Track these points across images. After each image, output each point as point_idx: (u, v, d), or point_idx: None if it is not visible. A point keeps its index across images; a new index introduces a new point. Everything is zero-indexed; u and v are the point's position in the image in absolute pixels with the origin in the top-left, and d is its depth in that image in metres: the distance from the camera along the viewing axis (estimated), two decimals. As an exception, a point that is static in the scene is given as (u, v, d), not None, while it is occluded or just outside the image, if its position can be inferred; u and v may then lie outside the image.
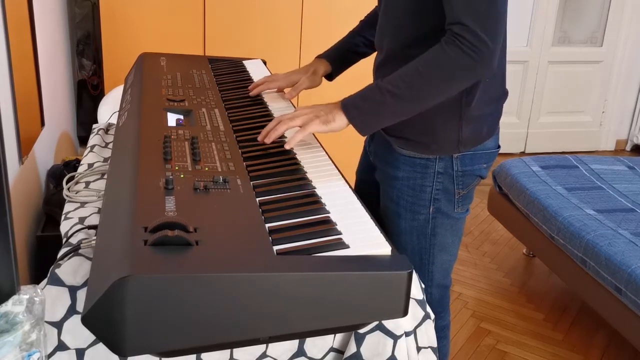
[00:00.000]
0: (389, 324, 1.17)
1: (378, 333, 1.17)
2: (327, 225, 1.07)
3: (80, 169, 1.69)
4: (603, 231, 2.36)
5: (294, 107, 1.66)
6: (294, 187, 1.20)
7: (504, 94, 1.50)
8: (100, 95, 3.16)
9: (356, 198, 1.19)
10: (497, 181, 2.98)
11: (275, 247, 0.99)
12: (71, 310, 1.13)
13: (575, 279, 2.45)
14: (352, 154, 1.84)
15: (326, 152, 1.41)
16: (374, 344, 1.17)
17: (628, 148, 4.79)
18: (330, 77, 1.73)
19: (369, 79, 1.48)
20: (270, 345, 1.16)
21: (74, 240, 1.30)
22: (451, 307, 2.43)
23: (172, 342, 0.90)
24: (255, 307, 0.92)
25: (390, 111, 1.31)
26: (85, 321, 0.86)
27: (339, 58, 1.71)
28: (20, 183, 1.76)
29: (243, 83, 1.79)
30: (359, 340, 1.17)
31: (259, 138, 1.37)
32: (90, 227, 1.34)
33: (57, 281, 1.15)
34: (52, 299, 1.13)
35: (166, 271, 0.87)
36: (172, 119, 1.47)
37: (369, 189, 1.60)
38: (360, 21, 1.74)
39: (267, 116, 1.55)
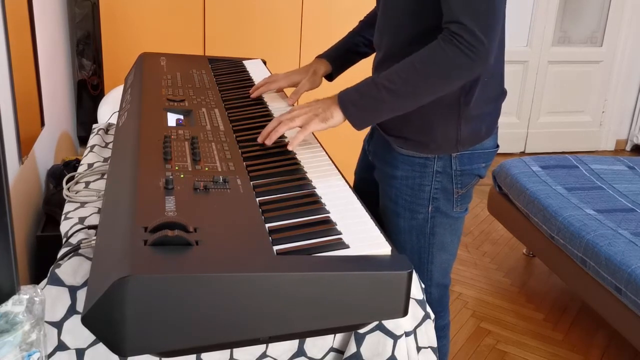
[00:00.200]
0: (389, 324, 1.17)
1: (378, 333, 1.17)
2: (327, 225, 1.07)
3: (80, 169, 1.69)
4: (603, 231, 2.36)
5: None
6: (294, 187, 1.20)
7: (503, 93, 1.50)
8: (100, 95, 3.16)
9: (356, 198, 1.20)
10: (497, 181, 2.98)
11: (275, 247, 0.99)
12: (71, 310, 1.13)
13: (575, 279, 2.45)
14: (352, 154, 1.84)
15: (326, 152, 1.41)
16: (374, 344, 1.17)
17: (628, 148, 4.79)
18: (330, 77, 1.73)
19: (369, 79, 1.48)
20: (270, 345, 1.16)
21: (74, 240, 1.30)
22: (451, 307, 2.43)
23: (172, 342, 0.90)
24: (255, 307, 0.92)
25: (385, 107, 1.32)
26: (85, 321, 0.86)
27: (339, 58, 1.71)
28: (20, 183, 1.76)
29: (243, 83, 1.79)
30: (359, 340, 1.17)
31: (259, 139, 1.37)
32: (90, 227, 1.34)
33: (57, 281, 1.15)
34: (52, 299, 1.13)
35: (166, 271, 0.87)
36: (172, 119, 1.47)
37: (368, 188, 1.60)
38: (360, 21, 1.74)
39: (267, 116, 1.55)
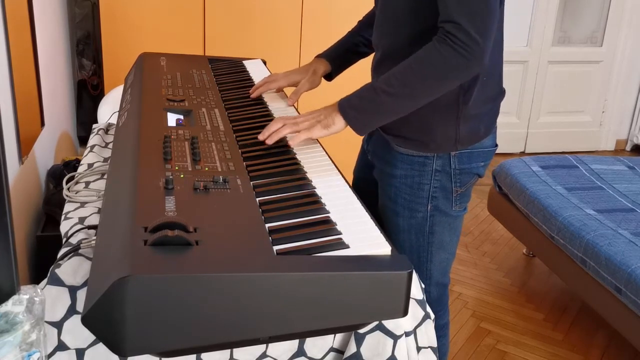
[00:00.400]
0: (389, 324, 1.17)
1: (378, 333, 1.17)
2: (327, 225, 1.07)
3: (80, 169, 1.69)
4: (603, 231, 2.36)
5: (295, 107, 1.66)
6: (294, 187, 1.20)
7: (501, 92, 1.51)
8: (100, 95, 3.16)
9: (356, 198, 1.20)
10: (497, 181, 2.98)
11: (275, 247, 0.99)
12: (71, 310, 1.13)
13: (575, 279, 2.45)
14: (351, 154, 1.84)
15: (326, 152, 1.41)
16: (374, 344, 1.17)
17: (628, 148, 4.79)
18: (329, 76, 1.73)
19: (368, 79, 1.48)
20: (270, 345, 1.16)
21: (74, 240, 1.30)
22: (451, 307, 2.43)
23: (172, 342, 0.90)
24: (255, 307, 0.92)
25: (385, 110, 1.34)
26: (85, 321, 0.86)
27: (338, 58, 1.72)
28: (20, 183, 1.76)
29: (243, 83, 1.79)
30: (359, 340, 1.17)
31: (260, 136, 1.37)
32: (90, 227, 1.34)
33: (57, 281, 1.15)
34: (52, 299, 1.13)
35: (166, 271, 0.87)
36: (172, 119, 1.47)
37: (367, 188, 1.61)
38: (359, 22, 1.74)
39: (267, 116, 1.55)
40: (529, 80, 4.43)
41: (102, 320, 0.86)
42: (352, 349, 1.17)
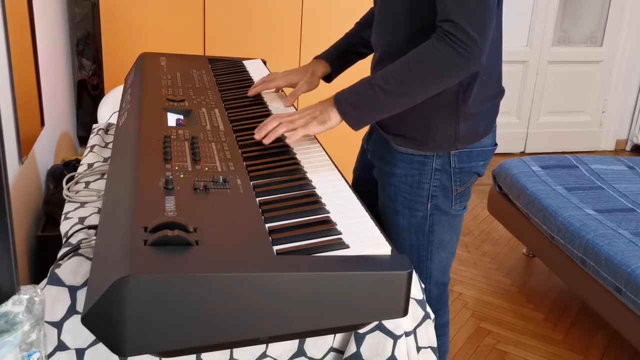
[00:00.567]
0: (389, 324, 1.17)
1: (378, 333, 1.17)
2: (327, 225, 1.07)
3: (80, 169, 1.69)
4: (603, 231, 2.36)
5: (295, 107, 1.66)
6: (294, 187, 1.20)
7: (501, 91, 1.51)
8: (100, 95, 3.16)
9: (356, 198, 1.20)
10: (497, 181, 2.98)
11: (275, 247, 0.99)
12: (71, 310, 1.13)
13: (575, 279, 2.45)
14: (351, 153, 1.84)
15: (326, 152, 1.41)
16: (374, 344, 1.17)
17: (628, 148, 4.79)
18: (329, 78, 1.73)
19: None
20: (270, 345, 1.16)
21: (74, 240, 1.30)
22: (451, 307, 2.43)
23: (172, 342, 0.90)
24: (255, 307, 0.92)
25: (381, 106, 1.34)
26: (85, 321, 0.86)
27: (338, 59, 1.71)
28: (20, 183, 1.76)
29: (243, 83, 1.79)
30: (359, 340, 1.17)
31: (256, 135, 1.37)
32: (90, 227, 1.34)
33: (57, 281, 1.15)
34: (52, 299, 1.13)
35: (166, 271, 0.87)
36: (172, 119, 1.47)
37: (367, 187, 1.61)
38: (356, 23, 1.74)
39: (267, 116, 1.55)
40: (529, 80, 4.43)
41: (102, 320, 0.86)
42: (352, 349, 1.17)
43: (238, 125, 1.48)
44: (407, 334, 1.20)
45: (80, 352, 1.13)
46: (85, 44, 3.34)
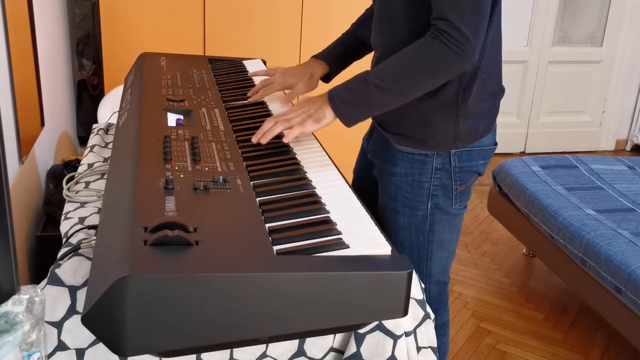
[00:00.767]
0: (389, 324, 1.17)
1: (378, 333, 1.17)
2: (327, 225, 1.07)
3: (80, 169, 1.69)
4: (603, 231, 2.36)
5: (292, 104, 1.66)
6: (294, 187, 1.20)
7: (501, 90, 1.51)
8: (100, 95, 3.16)
9: (356, 198, 1.20)
10: (497, 181, 2.98)
11: (275, 247, 0.99)
12: (71, 310, 1.13)
13: (575, 279, 2.45)
14: (351, 153, 1.84)
15: (326, 152, 1.41)
16: (374, 344, 1.17)
17: (628, 148, 4.79)
18: (327, 78, 1.72)
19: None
20: (270, 345, 1.16)
21: (74, 240, 1.30)
22: (451, 307, 2.43)
23: (172, 342, 0.90)
24: (255, 307, 0.92)
25: (376, 104, 1.35)
26: (85, 321, 0.86)
27: (336, 59, 1.71)
28: (20, 183, 1.76)
29: (243, 83, 1.79)
30: (359, 340, 1.17)
31: (254, 139, 1.37)
32: (90, 227, 1.34)
33: (57, 281, 1.15)
34: (52, 299, 1.13)
35: (166, 271, 0.87)
36: (172, 119, 1.47)
37: (367, 187, 1.61)
38: (353, 24, 1.74)
39: (267, 116, 1.55)
40: (529, 80, 4.43)
41: (102, 320, 0.86)
42: (352, 349, 1.17)
43: (238, 125, 1.48)
44: (407, 334, 1.20)
45: (80, 352, 1.13)
46: (85, 44, 3.34)
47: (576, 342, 2.48)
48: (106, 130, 1.92)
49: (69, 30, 3.17)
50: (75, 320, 1.13)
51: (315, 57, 1.72)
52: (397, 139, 1.48)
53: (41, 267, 1.79)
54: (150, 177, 1.13)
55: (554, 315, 2.65)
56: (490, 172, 3.06)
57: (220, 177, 1.16)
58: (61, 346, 1.12)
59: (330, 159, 1.37)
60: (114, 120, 2.07)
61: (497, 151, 1.56)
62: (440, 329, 1.61)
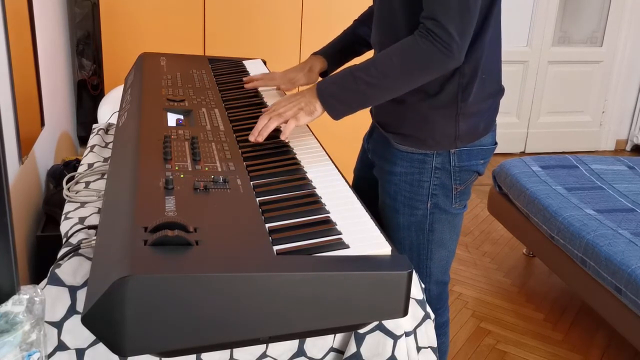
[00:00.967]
0: (389, 324, 1.17)
1: (378, 333, 1.17)
2: (327, 225, 1.07)
3: (80, 169, 1.69)
4: (603, 231, 2.36)
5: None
6: (294, 187, 1.20)
7: (500, 90, 1.51)
8: (100, 95, 3.16)
9: (356, 198, 1.20)
10: (497, 181, 2.98)
11: (275, 247, 0.99)
12: (71, 310, 1.13)
13: (575, 279, 2.45)
14: (351, 153, 1.84)
15: (326, 152, 1.41)
16: (374, 344, 1.17)
17: (628, 148, 4.79)
18: (326, 74, 1.73)
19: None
20: (270, 345, 1.16)
21: (74, 240, 1.30)
22: (451, 307, 2.43)
23: (172, 342, 0.90)
24: (255, 307, 0.92)
25: (363, 99, 1.36)
26: (85, 321, 0.86)
27: (335, 55, 1.72)
28: (20, 183, 1.76)
29: (243, 83, 1.79)
30: (359, 340, 1.17)
31: (251, 138, 1.38)
32: (90, 227, 1.34)
33: (57, 281, 1.15)
34: (52, 299, 1.13)
35: (166, 271, 0.87)
36: (172, 119, 1.47)
37: (367, 187, 1.61)
38: (354, 20, 1.75)
39: (267, 116, 1.55)
40: (529, 80, 4.43)
41: (102, 320, 0.86)
42: (352, 349, 1.17)
43: (238, 125, 1.48)
44: (407, 334, 1.20)
45: (80, 352, 1.13)
46: (85, 44, 3.34)
47: (576, 342, 2.48)
48: (106, 130, 1.92)
49: (69, 30, 3.17)
50: (75, 320, 1.13)
51: (314, 53, 1.74)
52: (397, 139, 1.48)
53: (41, 267, 1.79)
54: (150, 177, 1.13)
55: (554, 315, 2.65)
56: (490, 172, 3.06)
57: (220, 177, 1.16)
58: (61, 346, 1.12)
59: (330, 158, 1.38)
60: (114, 120, 2.07)
61: (497, 151, 1.56)
62: (440, 329, 1.61)
